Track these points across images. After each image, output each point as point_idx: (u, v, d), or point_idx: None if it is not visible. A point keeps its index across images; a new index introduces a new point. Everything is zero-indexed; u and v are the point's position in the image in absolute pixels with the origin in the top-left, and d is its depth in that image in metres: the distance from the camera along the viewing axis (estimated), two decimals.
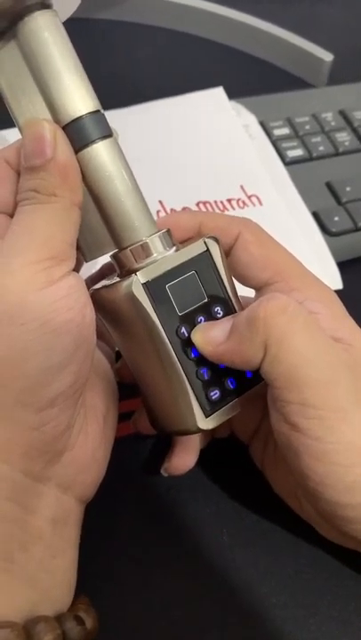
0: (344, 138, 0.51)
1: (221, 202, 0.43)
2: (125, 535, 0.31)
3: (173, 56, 0.59)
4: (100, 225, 0.26)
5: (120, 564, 0.30)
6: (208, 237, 0.27)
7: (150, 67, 0.57)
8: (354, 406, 0.25)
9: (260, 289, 0.30)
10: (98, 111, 0.25)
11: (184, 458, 0.31)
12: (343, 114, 0.52)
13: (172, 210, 0.42)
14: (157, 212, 0.42)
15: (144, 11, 0.60)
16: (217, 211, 0.43)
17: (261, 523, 0.32)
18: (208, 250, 0.27)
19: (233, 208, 0.43)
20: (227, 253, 0.29)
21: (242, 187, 0.45)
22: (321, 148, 0.50)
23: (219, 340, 0.26)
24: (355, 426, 0.25)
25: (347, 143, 0.50)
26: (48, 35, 0.24)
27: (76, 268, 0.27)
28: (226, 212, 0.43)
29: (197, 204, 0.43)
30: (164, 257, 0.26)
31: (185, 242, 0.28)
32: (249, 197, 0.44)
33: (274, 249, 0.30)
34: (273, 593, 0.29)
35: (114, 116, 0.47)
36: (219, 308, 0.27)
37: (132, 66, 0.57)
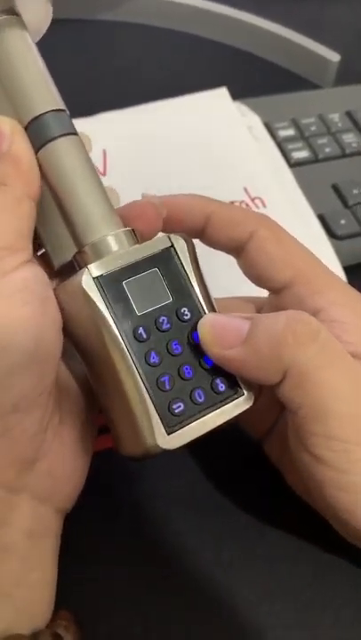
0: (351, 139, 0.50)
1: None
2: (116, 552, 0.30)
3: (177, 57, 0.58)
4: (63, 227, 0.25)
5: (111, 583, 0.29)
6: (175, 234, 0.25)
7: (153, 67, 0.56)
8: None
9: (277, 291, 0.28)
10: (61, 110, 0.25)
11: None
12: (350, 115, 0.52)
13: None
14: None
15: (148, 12, 0.60)
16: None
17: (261, 540, 0.30)
18: (173, 246, 0.25)
19: None
20: (238, 250, 0.28)
21: (245, 189, 0.44)
22: (327, 150, 0.49)
23: (230, 343, 0.24)
24: None
25: (354, 145, 0.49)
26: (15, 41, 0.25)
27: None
28: None
29: None
30: (122, 252, 0.24)
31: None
32: (253, 200, 0.43)
33: (293, 248, 0.28)
34: (273, 613, 0.28)
35: (115, 117, 0.48)
36: (186, 309, 0.25)
37: (135, 67, 0.56)
